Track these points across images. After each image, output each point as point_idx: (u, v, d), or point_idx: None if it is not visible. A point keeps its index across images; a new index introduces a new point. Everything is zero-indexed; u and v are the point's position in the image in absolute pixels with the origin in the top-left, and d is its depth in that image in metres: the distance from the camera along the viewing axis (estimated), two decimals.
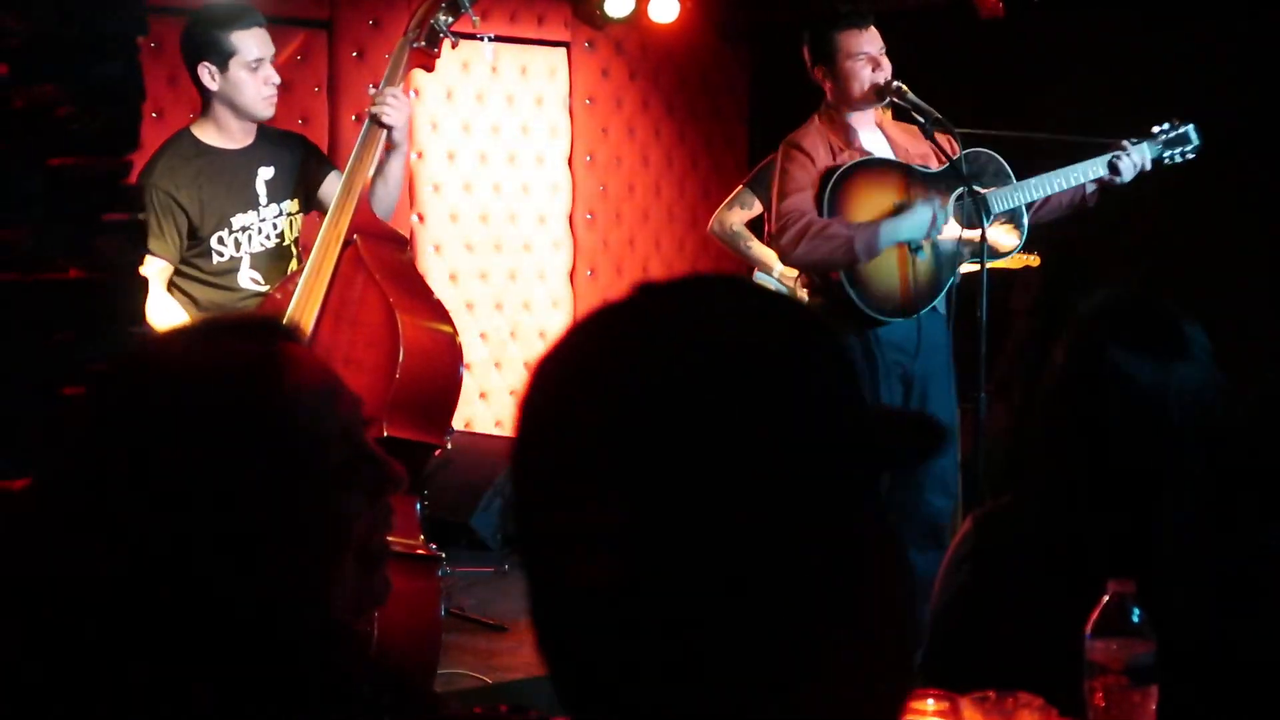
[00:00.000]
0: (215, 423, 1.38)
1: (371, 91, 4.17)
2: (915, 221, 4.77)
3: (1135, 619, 1.96)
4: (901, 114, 5.01)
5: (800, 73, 5.01)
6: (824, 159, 4.85)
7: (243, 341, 1.45)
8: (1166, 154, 5.00)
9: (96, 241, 2.95)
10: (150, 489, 1.36)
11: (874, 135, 5.00)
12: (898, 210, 4.82)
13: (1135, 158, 4.94)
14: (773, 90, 7.84)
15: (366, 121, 4.13)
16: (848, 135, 4.91)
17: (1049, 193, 4.96)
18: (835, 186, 4.79)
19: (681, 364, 0.92)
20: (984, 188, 4.86)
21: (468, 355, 7.53)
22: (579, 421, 0.94)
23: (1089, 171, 4.97)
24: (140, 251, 3.14)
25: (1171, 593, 2.08)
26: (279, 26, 6.73)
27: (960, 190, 4.87)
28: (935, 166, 4.95)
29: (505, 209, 7.69)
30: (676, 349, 0.93)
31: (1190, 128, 5.03)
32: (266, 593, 1.39)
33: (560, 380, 0.97)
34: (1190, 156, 5.01)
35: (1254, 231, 5.85)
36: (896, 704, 0.99)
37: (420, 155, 7.40)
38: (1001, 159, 4.80)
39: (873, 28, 4.88)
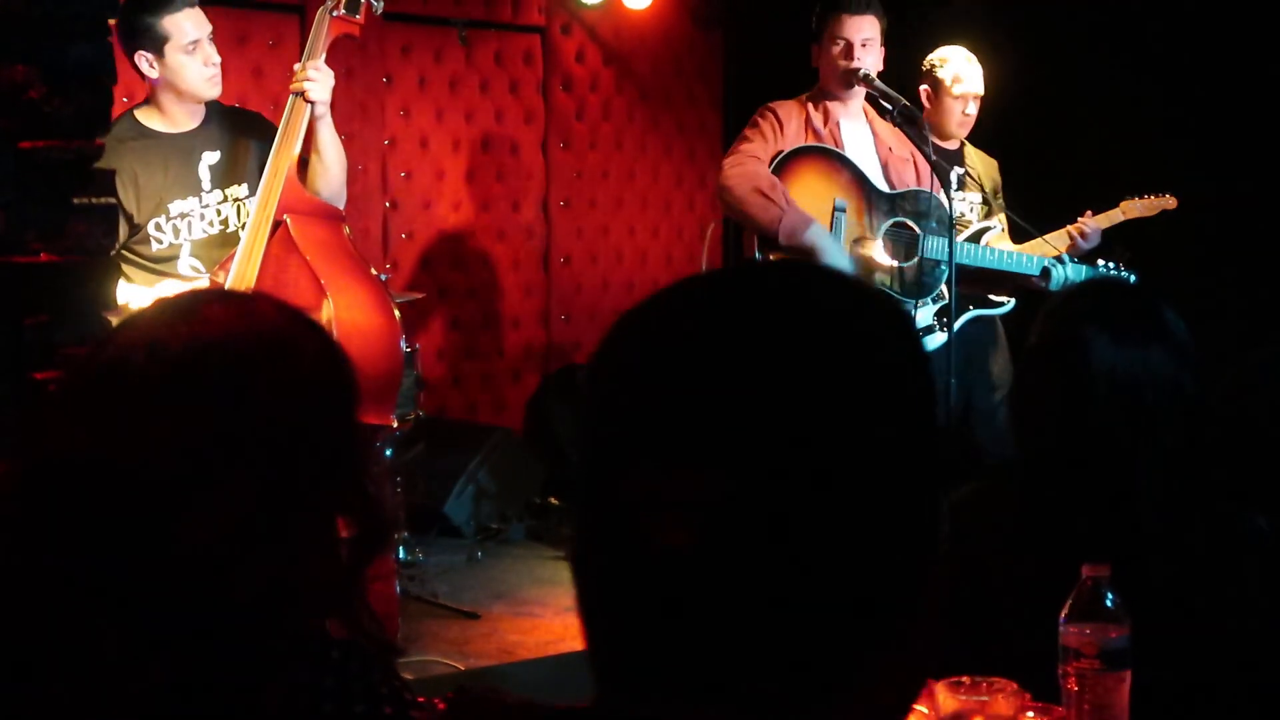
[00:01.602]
0: (331, 372, 1.49)
1: (295, 68, 4.09)
2: (833, 258, 4.73)
3: (1109, 603, 1.96)
4: (876, 106, 5.02)
5: (774, 59, 5.03)
6: (794, 132, 4.87)
7: (290, 308, 1.54)
8: None
9: (68, 224, 2.93)
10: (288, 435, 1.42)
11: (858, 125, 5.01)
12: (837, 209, 4.82)
13: (1069, 273, 5.10)
14: (747, 76, 7.84)
15: (290, 99, 4.05)
16: (826, 119, 4.93)
17: (978, 263, 5.07)
18: (783, 163, 4.81)
19: (803, 346, 0.92)
20: (919, 227, 4.89)
21: (441, 342, 7.55)
22: (687, 391, 0.92)
23: (1023, 263, 5.13)
24: (113, 234, 3.11)
25: (1145, 574, 2.09)
26: (250, 11, 6.72)
27: (897, 219, 4.90)
28: (912, 173, 4.97)
29: (478, 195, 7.67)
30: (797, 331, 0.93)
31: (1132, 276, 5.14)
32: (245, 551, 1.40)
33: (669, 344, 0.95)
34: None
35: (1230, 216, 5.87)
36: (917, 694, 1.01)
37: (393, 142, 7.37)
38: (948, 209, 4.79)
39: (868, 16, 4.87)
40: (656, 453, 0.92)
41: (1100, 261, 5.21)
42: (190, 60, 4.13)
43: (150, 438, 1.39)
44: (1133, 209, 5.37)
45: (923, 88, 5.45)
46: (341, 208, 4.16)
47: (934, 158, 4.77)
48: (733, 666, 0.91)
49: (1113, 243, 5.34)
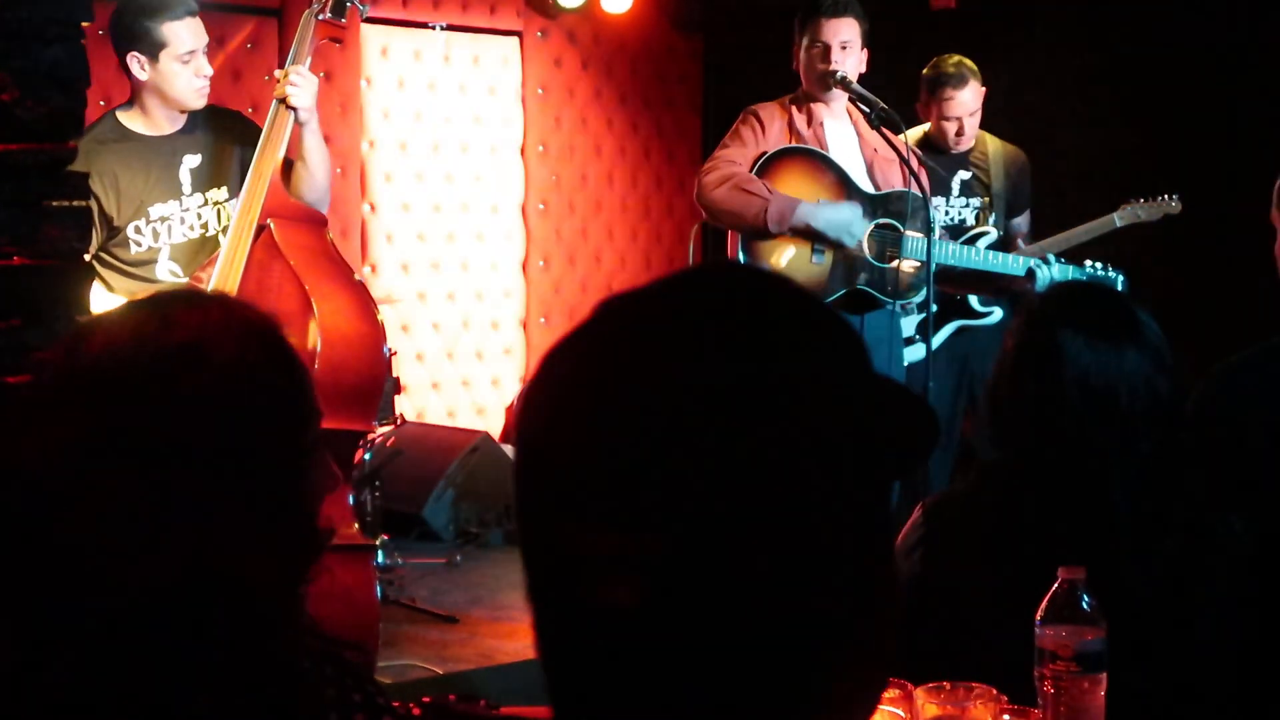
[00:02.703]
0: (255, 376, 1.45)
1: (276, 75, 4.07)
2: (833, 216, 4.77)
3: (1085, 606, 1.96)
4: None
5: (753, 62, 5.03)
6: (775, 135, 4.87)
7: (252, 311, 1.51)
8: None
9: (41, 228, 2.91)
10: (160, 451, 1.39)
11: (842, 126, 5.01)
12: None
13: (1055, 273, 5.09)
14: (726, 80, 7.85)
15: (273, 104, 4.00)
16: (810, 121, 4.93)
17: (962, 264, 5.07)
18: (766, 164, 4.81)
19: (732, 389, 0.88)
20: (903, 228, 4.90)
21: (420, 346, 7.54)
22: (614, 442, 0.88)
23: (1008, 264, 5.12)
24: (86, 238, 3.10)
25: (1120, 577, 2.09)
26: (229, 14, 6.70)
27: (881, 220, 4.90)
28: (898, 173, 4.97)
29: (458, 199, 7.66)
30: (723, 369, 0.88)
31: (1120, 277, 5.15)
32: (223, 559, 1.40)
33: (592, 391, 0.91)
34: None
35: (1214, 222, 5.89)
36: (877, 696, 0.99)
37: (372, 144, 7.36)
38: (929, 208, 4.80)
39: (846, 19, 4.86)
40: (586, 512, 0.89)
41: (1087, 262, 5.20)
42: (183, 70, 4.10)
43: (31, 441, 1.40)
44: (1134, 213, 5.34)
45: (919, 102, 5.46)
46: (325, 212, 4.14)
47: (913, 164, 4.76)
48: (685, 710, 0.89)
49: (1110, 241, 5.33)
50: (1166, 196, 5.33)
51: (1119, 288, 5.09)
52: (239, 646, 1.40)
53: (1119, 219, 5.36)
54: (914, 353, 5.09)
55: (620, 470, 0.88)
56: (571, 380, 0.92)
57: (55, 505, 1.38)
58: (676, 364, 0.89)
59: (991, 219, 5.42)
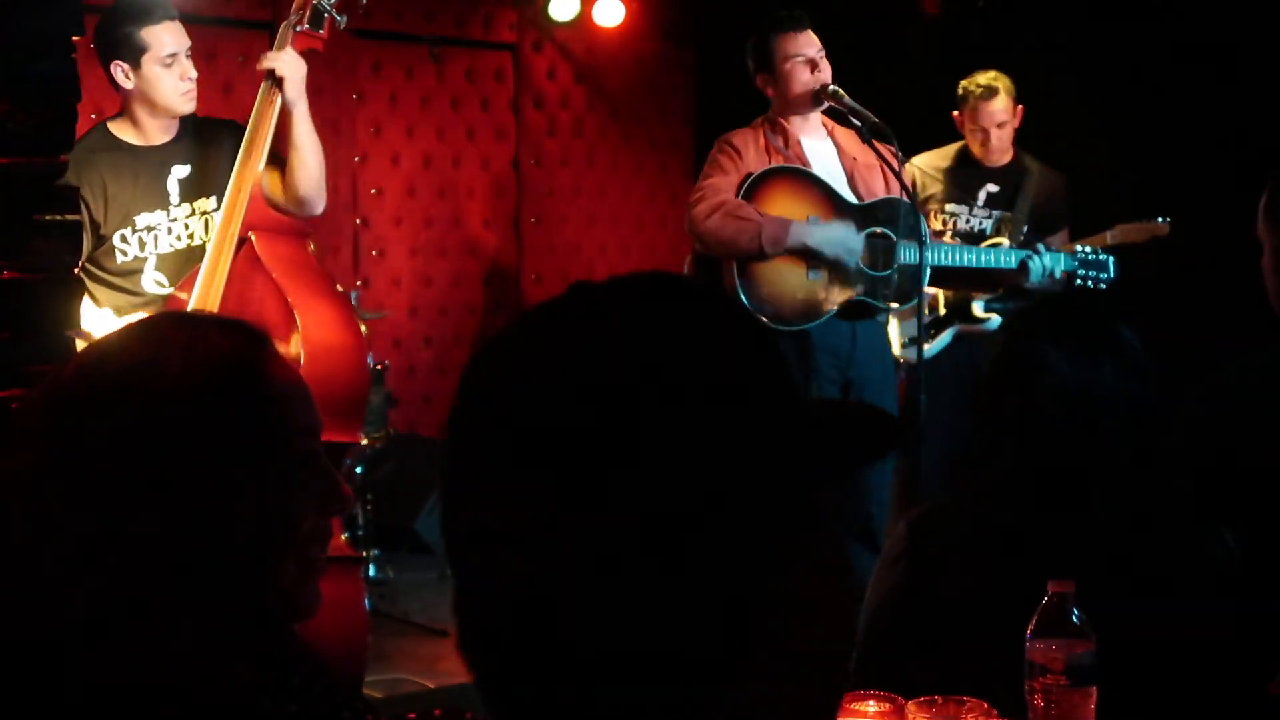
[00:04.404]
0: (197, 405, 1.43)
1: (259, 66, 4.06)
2: (830, 234, 4.79)
3: (1075, 619, 1.96)
4: (840, 119, 5.03)
5: (745, 75, 5.03)
6: (753, 158, 4.88)
7: (226, 333, 1.50)
8: (1080, 272, 5.16)
9: (32, 242, 2.91)
10: (124, 471, 1.40)
11: (820, 142, 5.01)
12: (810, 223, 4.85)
13: (1047, 262, 5.11)
14: (718, 92, 7.84)
15: (260, 90, 3.97)
16: (786, 140, 4.93)
17: (955, 263, 5.09)
18: (751, 187, 4.82)
19: (617, 366, 0.91)
20: (895, 235, 4.91)
21: (412, 360, 7.53)
22: (507, 420, 0.92)
23: (999, 259, 5.15)
24: (76, 252, 3.09)
25: (1105, 591, 2.09)
26: (220, 28, 6.70)
27: (872, 229, 4.91)
28: (880, 179, 4.99)
29: (450, 212, 7.66)
30: (612, 352, 0.92)
31: (1110, 260, 5.17)
32: (211, 576, 1.40)
33: (492, 379, 0.95)
34: (1103, 285, 5.14)
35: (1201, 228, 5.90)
36: (830, 706, 0.98)
37: (363, 159, 7.36)
38: (916, 212, 4.82)
39: (809, 30, 4.90)
40: (488, 487, 0.92)
41: (1078, 246, 5.21)
42: (166, 74, 4.10)
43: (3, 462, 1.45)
44: (1124, 234, 5.39)
45: (955, 112, 5.56)
46: (320, 210, 4.11)
47: (901, 174, 4.78)
48: (593, 691, 0.90)
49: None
50: (1158, 219, 5.37)
51: (1111, 269, 5.15)
52: (203, 667, 1.40)
53: (1111, 238, 5.40)
54: (911, 354, 5.13)
55: (510, 445, 0.91)
56: (482, 374, 0.96)
57: (7, 525, 1.39)
58: (569, 351, 0.93)
59: (1015, 234, 5.46)
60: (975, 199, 5.51)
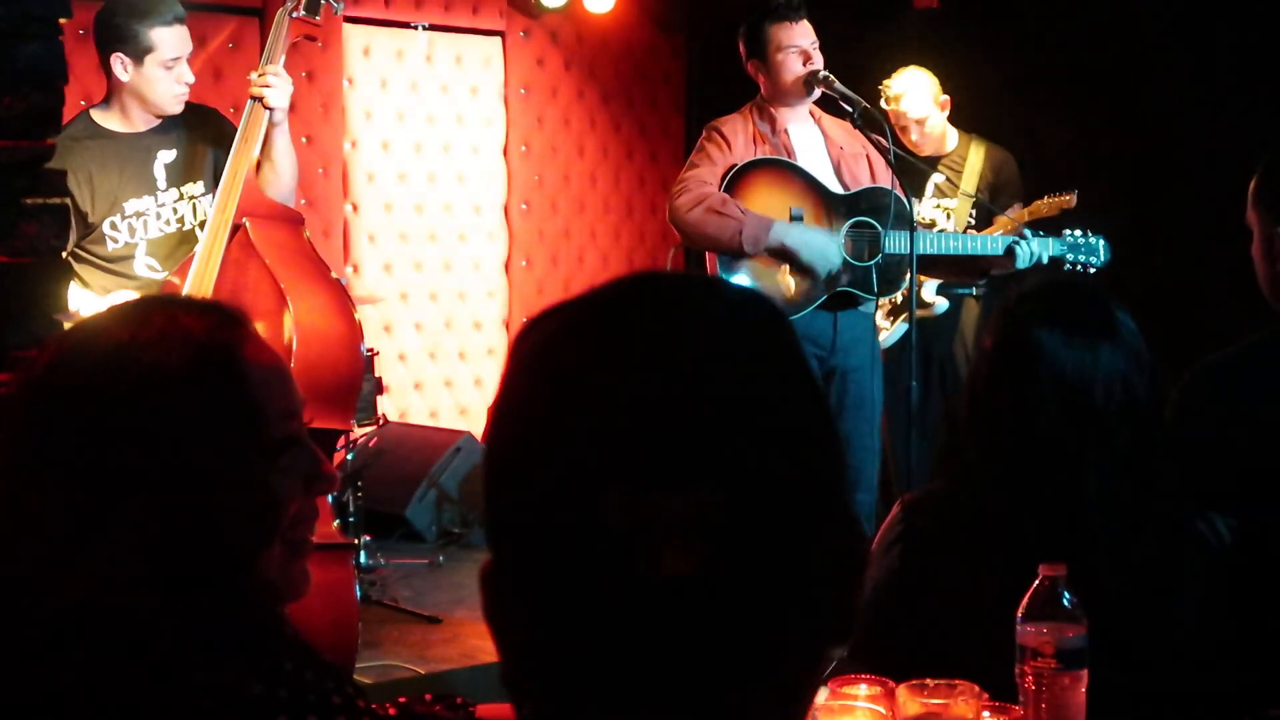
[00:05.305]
0: (171, 392, 1.42)
1: (252, 76, 4.06)
2: (810, 239, 4.80)
3: (1066, 603, 1.97)
4: (832, 106, 5.03)
5: (736, 62, 5.03)
6: (741, 147, 4.88)
7: (202, 317, 1.49)
8: (1070, 256, 5.15)
9: (20, 226, 2.90)
10: (100, 460, 1.39)
11: (807, 129, 5.01)
12: (793, 218, 4.85)
13: (1034, 247, 5.09)
14: (709, 80, 7.85)
15: (248, 103, 3.99)
16: (774, 128, 4.93)
17: (942, 251, 5.10)
18: (734, 178, 4.82)
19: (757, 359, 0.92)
20: (879, 225, 4.91)
21: (402, 346, 7.53)
22: (650, 404, 0.88)
23: (986, 245, 5.15)
24: (64, 236, 3.08)
25: (1097, 574, 2.09)
26: (211, 13, 6.68)
27: (857, 219, 4.91)
28: (866, 169, 4.99)
29: (440, 199, 7.65)
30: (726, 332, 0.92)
31: (1101, 241, 5.15)
32: (196, 563, 1.40)
33: (615, 352, 0.91)
34: (1093, 268, 5.12)
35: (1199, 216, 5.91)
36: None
37: (354, 144, 7.35)
38: (905, 201, 4.81)
39: (805, 21, 4.91)
40: (629, 474, 0.87)
41: (1066, 231, 5.18)
42: (165, 76, 4.11)
43: None
44: (1035, 209, 5.39)
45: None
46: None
47: (893, 159, 4.78)
48: (712, 682, 0.88)
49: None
50: (1062, 193, 5.36)
51: (1101, 253, 5.14)
52: (193, 654, 1.39)
53: (1029, 214, 5.34)
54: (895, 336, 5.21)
55: (657, 426, 0.87)
56: (579, 345, 0.92)
57: None
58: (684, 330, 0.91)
59: (962, 220, 5.46)
60: (923, 191, 5.51)
